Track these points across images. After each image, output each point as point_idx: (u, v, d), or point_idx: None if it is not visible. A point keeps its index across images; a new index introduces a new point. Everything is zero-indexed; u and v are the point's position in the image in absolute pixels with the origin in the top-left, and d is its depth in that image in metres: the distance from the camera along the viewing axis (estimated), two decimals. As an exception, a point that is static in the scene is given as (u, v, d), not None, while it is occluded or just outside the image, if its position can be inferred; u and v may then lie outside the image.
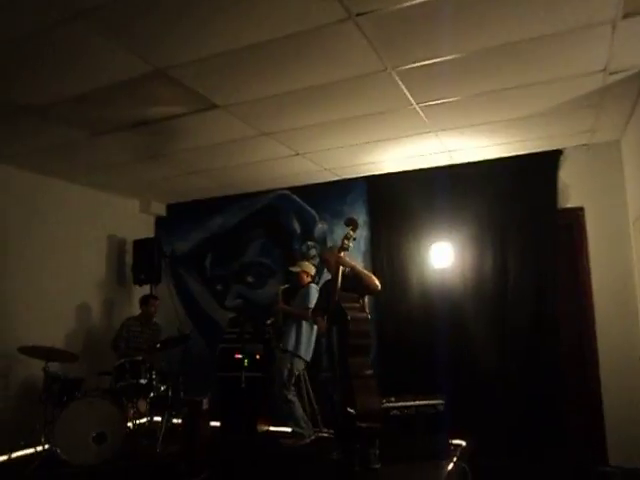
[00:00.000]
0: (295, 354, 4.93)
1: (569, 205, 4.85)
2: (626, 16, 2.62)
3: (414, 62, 3.11)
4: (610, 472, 4.43)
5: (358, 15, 2.57)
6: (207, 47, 2.90)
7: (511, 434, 4.63)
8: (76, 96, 3.41)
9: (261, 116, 3.88)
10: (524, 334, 4.83)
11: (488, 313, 5.00)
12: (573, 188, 4.84)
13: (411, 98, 3.62)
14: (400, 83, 3.37)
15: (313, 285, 5.17)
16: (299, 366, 4.97)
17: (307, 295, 5.02)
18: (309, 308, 4.94)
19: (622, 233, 4.61)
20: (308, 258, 5.96)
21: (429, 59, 3.08)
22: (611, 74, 3.31)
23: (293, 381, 4.94)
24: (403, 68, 3.17)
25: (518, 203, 4.96)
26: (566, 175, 4.86)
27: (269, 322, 5.38)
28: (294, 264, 5.36)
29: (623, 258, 4.60)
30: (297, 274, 5.22)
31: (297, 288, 5.23)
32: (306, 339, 5.00)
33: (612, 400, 4.53)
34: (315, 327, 5.04)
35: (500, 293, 4.97)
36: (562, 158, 4.87)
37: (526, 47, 2.98)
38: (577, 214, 4.83)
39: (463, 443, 4.45)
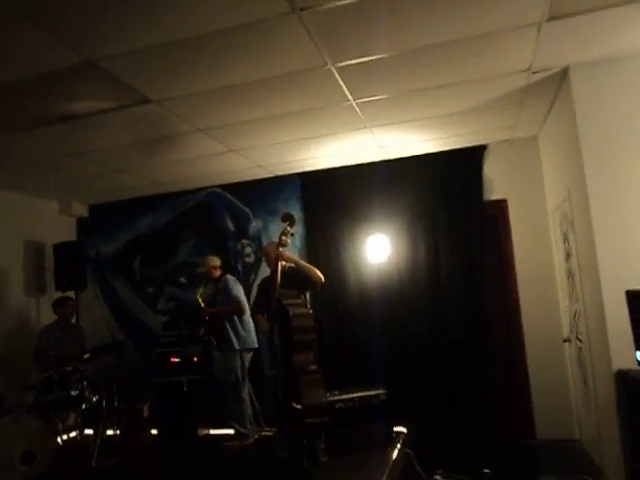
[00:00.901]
0: (243, 349, 4.85)
1: (493, 197, 5.14)
2: (551, 19, 2.80)
3: (354, 58, 3.13)
4: (537, 445, 4.76)
5: (302, 9, 2.55)
6: (141, 38, 2.75)
7: (447, 417, 4.82)
8: (-8, 88, 3.14)
9: (196, 111, 3.76)
10: (455, 322, 5.06)
11: (422, 303, 5.18)
12: (497, 181, 5.13)
13: (348, 94, 3.66)
14: (339, 79, 3.39)
15: (228, 276, 5.08)
16: (248, 356, 4.91)
17: (227, 288, 4.93)
18: (239, 300, 4.87)
19: (542, 222, 4.96)
20: (243, 256, 5.89)
21: (368, 56, 3.12)
22: (534, 73, 3.53)
23: (246, 373, 4.86)
24: (342, 64, 3.19)
25: (447, 196, 5.18)
26: (490, 169, 5.14)
27: (202, 332, 5.14)
28: (198, 266, 5.22)
29: (543, 245, 4.94)
30: (206, 273, 5.09)
31: (214, 286, 5.11)
32: (245, 331, 4.91)
33: (538, 379, 4.87)
34: (249, 313, 4.96)
35: (433, 283, 5.17)
36: (486, 153, 5.15)
37: (457, 47, 3.09)
38: (501, 205, 5.12)
39: (405, 430, 4.60)
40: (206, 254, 5.41)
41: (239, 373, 4.80)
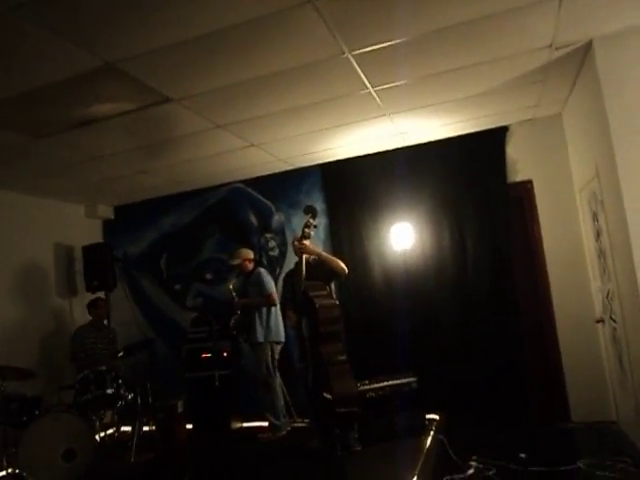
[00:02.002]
0: (271, 342, 4.89)
1: (518, 179, 5.04)
2: (573, -9, 2.73)
3: (370, 45, 3.10)
4: (573, 428, 4.69)
5: (318, -2, 2.54)
6: (159, 38, 2.78)
7: (479, 403, 4.78)
8: (17, 96, 3.19)
9: (216, 108, 3.78)
10: (485, 306, 5.00)
11: (449, 289, 5.13)
12: (521, 162, 5.03)
13: (367, 82, 3.63)
14: (357, 67, 3.36)
15: (261, 269, 5.12)
16: (277, 349, 4.95)
17: (260, 281, 4.96)
18: (271, 293, 4.91)
19: (569, 202, 4.85)
20: (267, 250, 5.92)
21: (385, 42, 3.08)
22: (557, 49, 3.44)
23: (276, 365, 4.91)
24: (360, 52, 3.16)
25: (470, 180, 5.11)
26: (513, 150, 5.04)
27: (232, 323, 5.17)
28: (232, 257, 5.21)
29: (571, 226, 4.84)
30: (240, 265, 5.12)
31: (246, 278, 5.15)
32: (274, 323, 4.95)
33: (571, 361, 4.78)
34: (278, 307, 4.99)
35: (460, 268, 5.12)
36: (509, 134, 5.05)
37: (477, 26, 3.03)
38: (526, 187, 5.03)
39: (437, 417, 4.58)
40: (230, 250, 5.46)
41: (270, 365, 4.85)
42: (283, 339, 5.02)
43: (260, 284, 4.95)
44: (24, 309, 5.36)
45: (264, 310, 4.94)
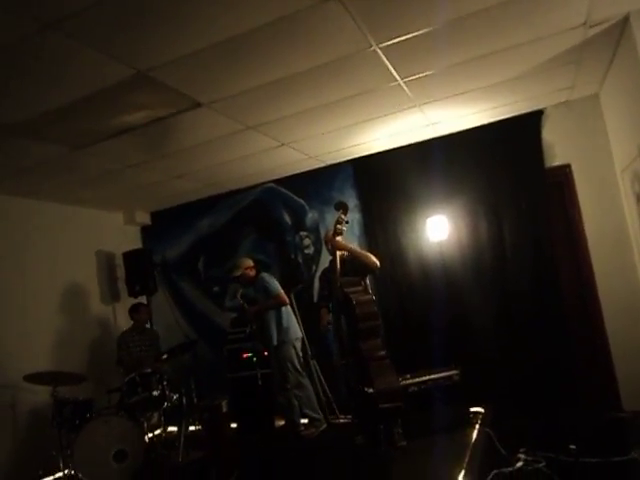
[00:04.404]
0: (290, 340, 4.93)
1: (556, 163, 4.91)
2: (607, -35, 2.63)
3: (398, 36, 3.07)
4: (625, 417, 4.53)
5: (343, -8, 2.53)
6: (188, 44, 2.81)
7: (524, 393, 4.68)
8: (56, 110, 3.28)
9: (246, 109, 3.81)
10: (526, 295, 4.89)
11: (488, 279, 5.05)
12: (558, 146, 4.89)
13: (395, 74, 3.59)
14: (384, 59, 3.33)
15: (263, 274, 5.14)
16: (298, 345, 4.99)
17: (264, 285, 5.00)
18: (278, 293, 4.94)
19: (610, 184, 4.69)
20: (302, 248, 5.94)
21: (413, 32, 3.04)
22: (591, 27, 3.32)
23: (302, 361, 4.96)
24: (387, 44, 3.13)
25: (505, 167, 5.00)
26: (549, 134, 4.91)
27: (248, 330, 5.25)
28: (232, 270, 5.21)
29: (614, 209, 4.68)
30: (242, 275, 5.11)
31: (251, 286, 5.17)
32: (287, 322, 4.98)
33: (620, 348, 4.64)
34: (288, 306, 5.03)
35: (498, 258, 5.02)
36: (544, 118, 4.91)
37: (506, 8, 2.95)
38: (565, 171, 4.89)
39: (482, 410, 4.50)
40: (266, 249, 5.48)
41: (295, 362, 4.89)
42: (300, 335, 5.05)
43: (265, 288, 4.99)
44: (71, 316, 5.52)
45: (275, 312, 4.97)
